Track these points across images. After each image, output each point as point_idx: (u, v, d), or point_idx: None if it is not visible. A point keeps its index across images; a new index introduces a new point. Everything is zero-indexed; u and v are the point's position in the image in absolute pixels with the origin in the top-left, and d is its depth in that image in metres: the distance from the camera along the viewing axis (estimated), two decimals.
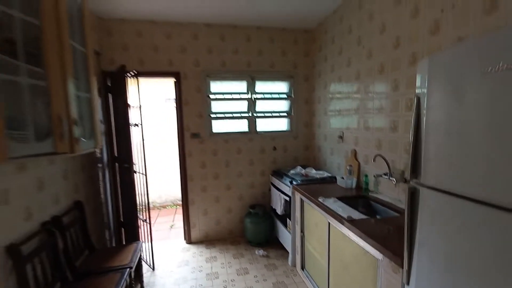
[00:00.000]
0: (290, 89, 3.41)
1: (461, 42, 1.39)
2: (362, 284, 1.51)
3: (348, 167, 2.46)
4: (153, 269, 2.75)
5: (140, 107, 2.59)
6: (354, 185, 2.39)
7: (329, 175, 2.80)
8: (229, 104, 3.27)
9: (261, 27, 3.18)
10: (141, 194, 2.72)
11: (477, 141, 0.77)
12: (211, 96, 3.18)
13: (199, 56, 3.06)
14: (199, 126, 3.15)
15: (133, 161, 2.66)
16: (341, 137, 2.72)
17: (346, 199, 2.04)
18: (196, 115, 3.13)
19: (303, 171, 2.95)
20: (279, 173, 3.08)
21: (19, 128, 1.08)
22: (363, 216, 1.66)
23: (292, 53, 3.32)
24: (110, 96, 2.78)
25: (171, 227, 3.91)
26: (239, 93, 3.27)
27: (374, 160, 2.00)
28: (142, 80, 3.08)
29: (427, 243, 0.97)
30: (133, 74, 2.58)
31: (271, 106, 3.41)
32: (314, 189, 2.35)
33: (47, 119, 1.20)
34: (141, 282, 2.42)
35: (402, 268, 1.10)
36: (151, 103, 4.65)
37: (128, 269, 1.97)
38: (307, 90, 3.42)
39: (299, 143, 3.48)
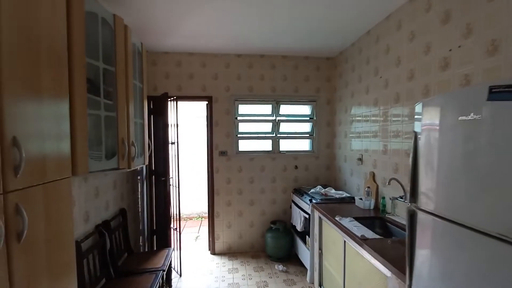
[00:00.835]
0: (312, 112, 3.63)
1: (445, 93, 1.56)
2: None
3: (366, 189, 2.57)
4: (180, 275, 2.99)
5: (177, 126, 2.95)
6: (372, 207, 2.48)
7: (348, 195, 2.91)
8: (255, 125, 3.55)
9: (286, 55, 3.48)
10: (173, 206, 3.02)
11: (457, 174, 0.93)
12: (239, 118, 3.49)
13: (229, 82, 3.41)
14: (227, 145, 3.45)
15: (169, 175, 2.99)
16: (360, 159, 2.85)
17: (363, 219, 2.16)
18: (224, 134, 3.44)
19: (323, 190, 3.09)
20: (300, 191, 3.24)
21: (96, 149, 1.42)
22: (376, 236, 1.78)
23: (315, 78, 3.56)
24: (151, 117, 3.19)
25: (196, 238, 4.16)
26: (264, 115, 3.55)
27: (389, 183, 2.11)
28: (179, 102, 3.48)
29: (425, 260, 1.10)
30: (173, 98, 2.96)
31: (294, 127, 3.64)
32: (332, 208, 2.48)
33: (114, 141, 1.53)
34: (170, 286, 2.67)
35: (405, 283, 1.23)
36: (184, 119, 5.09)
37: (161, 272, 2.23)
38: (329, 113, 3.61)
39: (320, 163, 3.64)
